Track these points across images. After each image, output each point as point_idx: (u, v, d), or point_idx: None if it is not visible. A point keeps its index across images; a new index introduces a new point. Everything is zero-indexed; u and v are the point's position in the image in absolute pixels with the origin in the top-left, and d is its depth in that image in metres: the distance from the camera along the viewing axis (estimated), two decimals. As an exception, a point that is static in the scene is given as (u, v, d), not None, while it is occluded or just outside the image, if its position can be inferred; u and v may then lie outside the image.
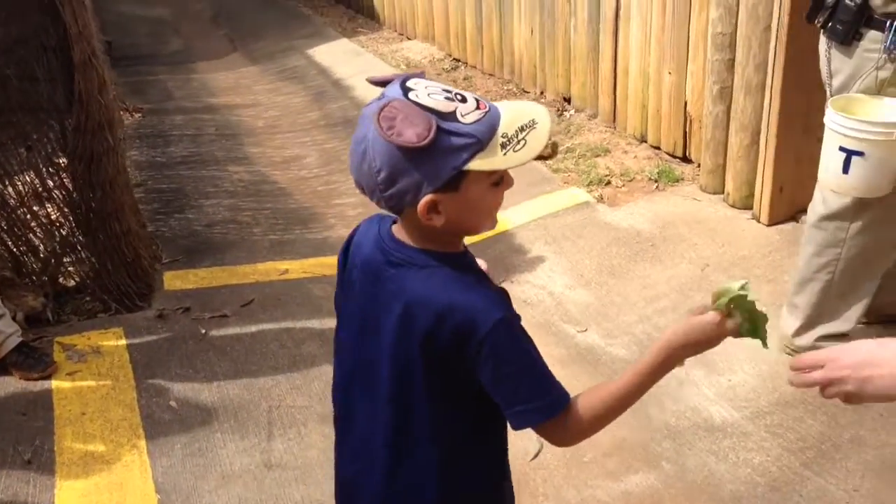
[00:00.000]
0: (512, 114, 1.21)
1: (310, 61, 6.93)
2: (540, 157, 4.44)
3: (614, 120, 4.57)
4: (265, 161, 4.98)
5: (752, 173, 3.56)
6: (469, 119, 1.18)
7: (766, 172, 3.42)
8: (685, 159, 4.12)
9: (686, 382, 2.75)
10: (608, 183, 4.11)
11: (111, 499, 2.34)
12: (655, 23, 4.06)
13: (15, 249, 3.12)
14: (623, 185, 4.07)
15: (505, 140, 1.19)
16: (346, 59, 6.78)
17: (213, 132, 5.49)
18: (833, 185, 2.46)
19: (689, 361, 2.86)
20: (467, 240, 1.33)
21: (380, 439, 1.33)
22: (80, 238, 3.16)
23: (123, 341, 3.04)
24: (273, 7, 9.11)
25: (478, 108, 1.20)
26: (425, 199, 1.18)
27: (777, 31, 3.20)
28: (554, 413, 1.26)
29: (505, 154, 1.19)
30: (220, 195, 4.45)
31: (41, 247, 3.17)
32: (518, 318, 1.27)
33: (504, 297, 1.29)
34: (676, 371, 2.85)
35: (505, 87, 5.55)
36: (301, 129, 5.53)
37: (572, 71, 4.85)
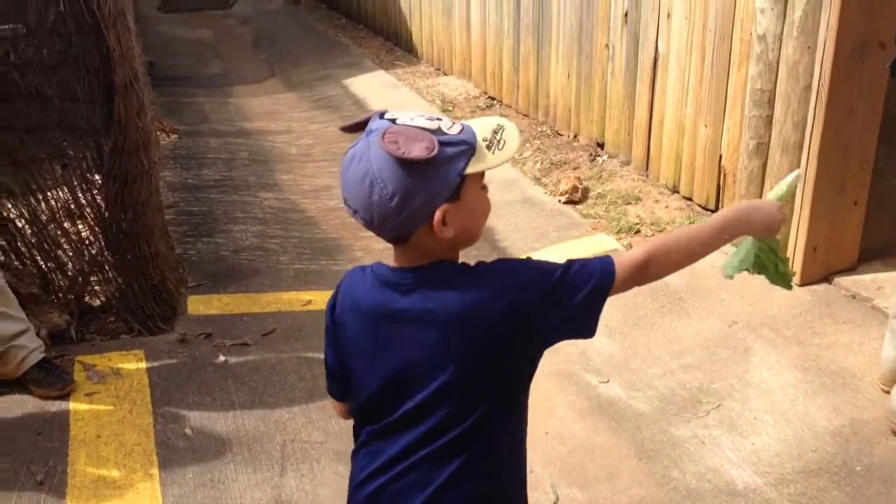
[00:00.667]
0: (479, 124, 1.33)
1: (346, 91, 6.99)
2: (570, 202, 4.45)
3: (647, 168, 4.55)
4: (295, 189, 5.01)
5: (785, 231, 3.51)
6: (454, 131, 1.28)
7: (801, 231, 3.37)
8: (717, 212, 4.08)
9: (708, 443, 2.69)
10: (638, 231, 4.07)
11: (120, 526, 2.33)
12: (693, 75, 4.04)
13: (44, 265, 3.15)
14: (653, 235, 4.03)
15: (487, 143, 1.30)
16: (383, 91, 6.83)
17: (246, 157, 5.53)
18: None
19: (712, 421, 2.80)
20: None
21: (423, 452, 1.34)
22: (109, 258, 3.18)
23: (144, 364, 3.04)
24: (313, 35, 9.23)
25: (454, 124, 1.30)
26: (441, 210, 1.26)
27: (818, 90, 3.17)
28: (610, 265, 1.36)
29: (493, 153, 1.30)
30: (248, 221, 4.47)
31: (69, 264, 3.19)
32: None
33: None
34: (699, 431, 2.80)
35: (539, 129, 5.55)
36: (333, 159, 5.55)
37: (607, 117, 4.84)
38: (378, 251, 4.19)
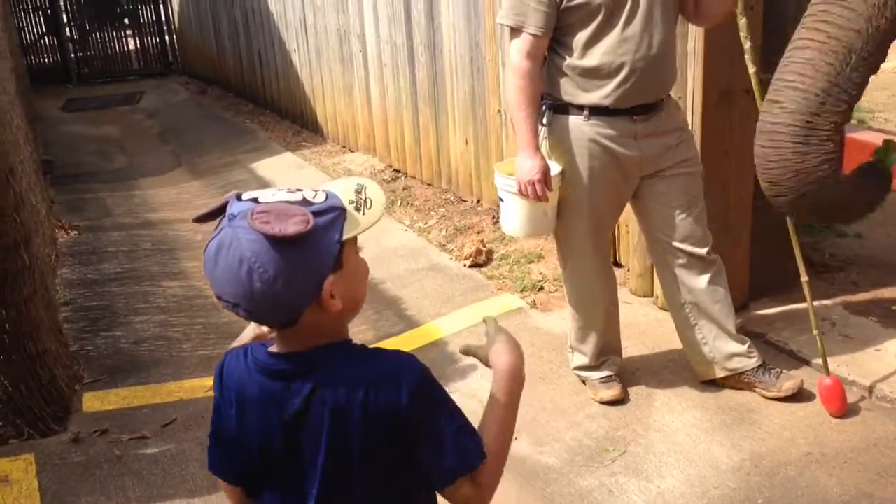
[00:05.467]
0: (339, 187, 1.28)
1: (253, 175, 6.99)
2: (475, 265, 4.48)
3: (547, 226, 4.62)
4: (200, 275, 4.92)
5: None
6: (319, 199, 1.23)
7: (691, 274, 3.45)
8: (615, 264, 4.15)
9: (616, 491, 2.68)
10: (541, 288, 4.12)
11: None
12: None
13: (-77, 374, 3.01)
14: (556, 290, 4.08)
15: (354, 204, 1.26)
16: (289, 172, 6.85)
17: (150, 247, 5.44)
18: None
19: (618, 468, 2.80)
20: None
21: None
22: (-6, 361, 3.06)
23: (33, 468, 2.90)
24: (220, 123, 9.25)
25: (316, 192, 1.25)
26: (328, 282, 1.21)
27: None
28: (468, 463, 1.30)
29: (363, 214, 1.26)
30: (150, 311, 4.37)
31: (-50, 371, 3.05)
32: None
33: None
34: (606, 480, 2.83)
35: (443, 196, 5.63)
36: (239, 243, 5.51)
37: (505, 179, 4.93)
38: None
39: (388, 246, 5.05)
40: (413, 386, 1.25)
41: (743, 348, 3.03)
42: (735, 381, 3.06)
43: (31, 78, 10.71)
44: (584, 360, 3.19)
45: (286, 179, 6.63)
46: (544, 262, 4.37)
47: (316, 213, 1.19)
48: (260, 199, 1.21)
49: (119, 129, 9.92)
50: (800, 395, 2.99)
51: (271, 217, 1.16)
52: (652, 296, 3.78)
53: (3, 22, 5.17)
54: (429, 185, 5.91)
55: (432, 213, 5.43)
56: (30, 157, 3.98)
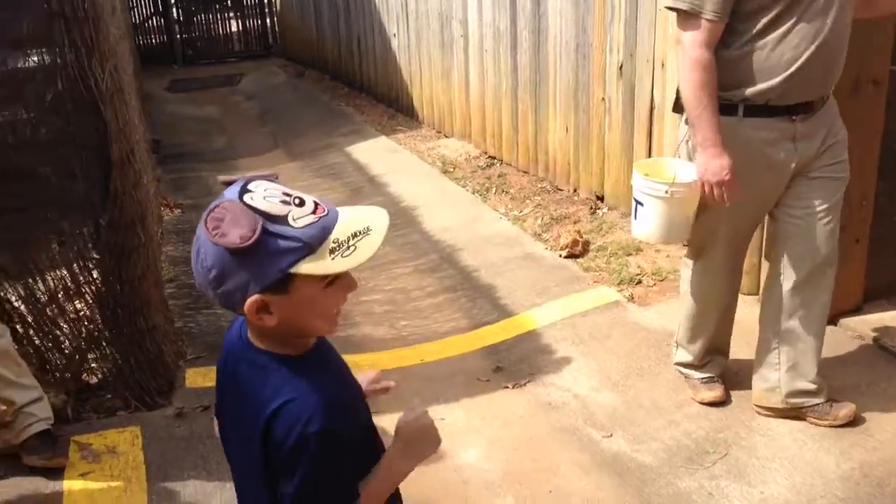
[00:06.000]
0: (350, 219, 1.26)
1: (348, 158, 7.07)
2: (571, 256, 4.42)
3: (646, 218, 4.52)
4: (298, 257, 5.01)
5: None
6: (300, 223, 1.21)
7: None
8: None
9: (716, 494, 2.61)
10: (639, 282, 4.04)
11: None
12: (685, 122, 4.05)
13: (41, 345, 3.15)
14: (654, 285, 3.99)
15: (335, 245, 1.22)
16: (383, 156, 6.90)
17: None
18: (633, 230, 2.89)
19: (719, 471, 2.72)
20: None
21: None
22: (106, 334, 3.18)
23: (140, 440, 3.01)
24: (316, 105, 9.39)
25: (314, 212, 1.23)
26: (251, 299, 1.21)
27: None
28: None
29: (333, 259, 1.22)
30: (250, 291, 4.46)
31: (66, 343, 3.19)
32: (337, 434, 1.27)
33: (334, 406, 1.28)
34: (705, 483, 2.74)
35: (539, 185, 5.57)
36: (336, 225, 5.58)
37: (606, 169, 4.85)
38: (379, 314, 4.17)
39: (482, 234, 5.03)
40: (300, 439, 1.25)
41: (813, 388, 2.82)
42: (789, 411, 2.89)
43: (139, 58, 11.09)
44: (689, 358, 3.10)
45: (380, 163, 6.69)
46: (642, 255, 4.28)
47: (274, 235, 1.19)
48: (244, 197, 1.21)
49: (220, 109, 10.18)
50: (916, 406, 2.85)
51: (225, 219, 1.19)
52: (758, 293, 3.65)
53: (119, 2, 5.34)
54: (524, 172, 5.86)
55: (527, 201, 5.39)
56: (142, 137, 4.11)
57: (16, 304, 3.11)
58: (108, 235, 3.06)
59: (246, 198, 1.21)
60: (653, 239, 2.89)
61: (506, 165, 6.11)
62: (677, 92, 2.68)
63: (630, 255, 4.30)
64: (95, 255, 3.13)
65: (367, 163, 6.83)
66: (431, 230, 5.22)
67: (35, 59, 3.01)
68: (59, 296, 3.13)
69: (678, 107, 2.72)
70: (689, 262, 3.01)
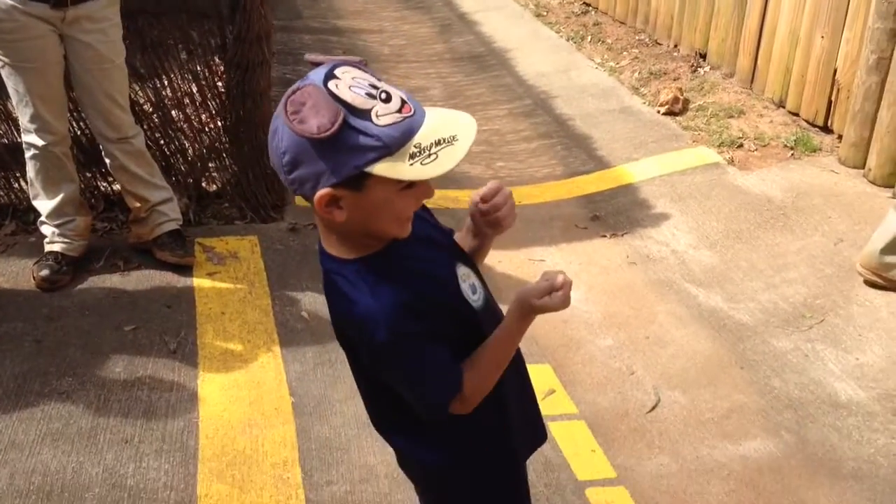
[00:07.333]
0: (436, 124, 1.17)
1: (437, -13, 6.89)
2: (670, 113, 4.38)
3: (752, 81, 4.44)
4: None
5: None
6: (383, 121, 1.13)
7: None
8: (825, 129, 3.98)
9: (811, 357, 2.72)
10: (740, 146, 4.01)
11: (249, 395, 2.48)
12: (813, -16, 3.89)
13: (166, 149, 3.26)
14: (756, 150, 3.97)
15: (416, 150, 1.14)
16: (482, -3, 6.72)
17: (341, 55, 5.52)
18: None
19: (815, 335, 2.82)
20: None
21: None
22: (227, 145, 3.28)
23: (258, 249, 3.16)
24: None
25: (400, 111, 1.15)
26: (322, 192, 1.15)
27: (953, 4, 3.04)
28: (433, 414, 1.31)
29: (412, 165, 1.14)
30: (347, 118, 4.51)
31: (190, 149, 3.29)
32: (407, 332, 1.23)
33: (397, 310, 1.22)
34: (801, 345, 2.83)
35: (636, 37, 5.43)
36: (426, 61, 5.54)
37: (713, 26, 4.71)
38: (474, 153, 4.22)
39: (577, 83, 4.98)
40: (372, 347, 1.24)
41: None
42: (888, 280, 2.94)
43: None
44: None
45: (470, 0, 6.53)
46: (745, 119, 4.23)
47: (354, 129, 1.12)
48: (329, 84, 1.13)
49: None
50: None
51: (306, 104, 1.12)
52: (863, 167, 3.63)
53: None
54: (621, 23, 5.70)
55: (624, 53, 5.28)
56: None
57: (146, 108, 3.20)
58: (235, 48, 3.10)
59: (331, 84, 1.13)
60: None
61: (601, 14, 5.94)
62: None
63: (732, 117, 4.25)
64: (221, 67, 3.17)
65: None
66: (525, 74, 5.17)
67: None
68: (185, 103, 3.20)
69: None
70: None
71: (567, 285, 1.27)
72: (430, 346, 1.26)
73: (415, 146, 1.14)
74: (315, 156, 1.13)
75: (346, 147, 1.12)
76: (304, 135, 1.11)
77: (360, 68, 1.18)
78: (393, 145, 1.13)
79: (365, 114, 1.13)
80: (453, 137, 1.16)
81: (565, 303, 1.28)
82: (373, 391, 1.40)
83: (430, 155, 1.14)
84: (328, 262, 1.28)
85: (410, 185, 1.18)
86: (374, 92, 1.14)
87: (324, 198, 1.16)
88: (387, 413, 1.42)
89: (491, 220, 1.38)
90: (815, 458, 2.36)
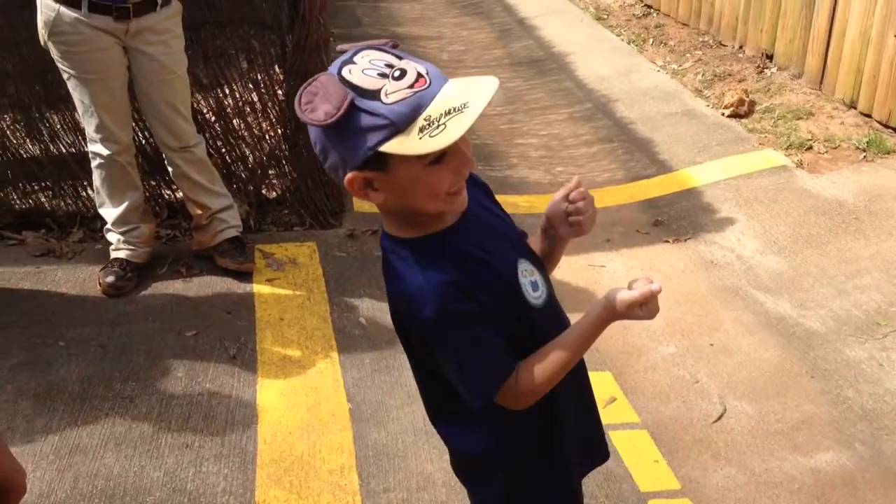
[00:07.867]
0: (451, 94, 1.13)
1: (498, -7, 6.88)
2: (735, 115, 4.28)
3: (821, 82, 4.30)
4: (450, 94, 5.01)
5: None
6: (391, 99, 1.11)
7: None
8: (885, 125, 3.84)
9: (887, 366, 2.61)
10: (809, 148, 3.89)
11: (307, 401, 2.48)
12: (886, -20, 3.76)
13: (227, 157, 3.30)
14: (826, 152, 3.84)
15: (426, 123, 1.11)
16: (538, -3, 6.68)
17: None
18: None
19: (891, 344, 2.71)
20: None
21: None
22: (286, 153, 3.30)
23: (317, 256, 3.17)
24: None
25: (412, 86, 1.12)
26: (349, 176, 1.17)
27: None
28: (477, 400, 1.27)
29: (420, 138, 1.11)
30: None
31: (250, 157, 3.33)
32: (456, 312, 1.21)
33: (447, 287, 1.21)
34: (876, 354, 2.72)
35: (700, 39, 5.33)
36: (485, 66, 5.52)
37: (780, 27, 4.59)
38: (534, 158, 4.18)
39: (639, 85, 4.90)
40: (420, 323, 1.22)
41: None
42: None
43: None
44: None
45: (529, 5, 6.50)
46: (814, 121, 4.10)
47: (361, 111, 1.11)
48: (343, 70, 1.14)
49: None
50: None
51: (318, 94, 1.12)
52: (941, 171, 3.48)
53: None
54: (684, 25, 5.60)
55: (687, 55, 5.18)
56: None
57: (208, 116, 3.25)
58: (294, 57, 3.12)
59: (345, 71, 1.14)
60: None
61: (663, 16, 5.85)
62: None
63: (800, 118, 4.13)
64: (280, 76, 3.20)
65: (514, 3, 6.64)
66: (585, 78, 5.11)
67: None
68: (246, 112, 3.24)
69: None
70: None
71: (656, 295, 1.24)
72: (479, 327, 1.23)
73: (424, 119, 1.11)
74: (334, 143, 1.16)
75: (357, 130, 1.12)
76: (314, 123, 1.12)
77: (383, 50, 1.17)
78: (401, 122, 1.11)
79: (374, 94, 1.12)
80: (464, 105, 1.12)
81: (653, 315, 1.25)
82: (425, 379, 1.38)
83: (438, 126, 1.11)
84: (385, 240, 1.28)
85: (439, 159, 1.15)
86: (387, 71, 1.13)
87: (352, 182, 1.18)
88: (435, 401, 1.41)
89: (572, 222, 1.35)
90: (891, 471, 2.26)
